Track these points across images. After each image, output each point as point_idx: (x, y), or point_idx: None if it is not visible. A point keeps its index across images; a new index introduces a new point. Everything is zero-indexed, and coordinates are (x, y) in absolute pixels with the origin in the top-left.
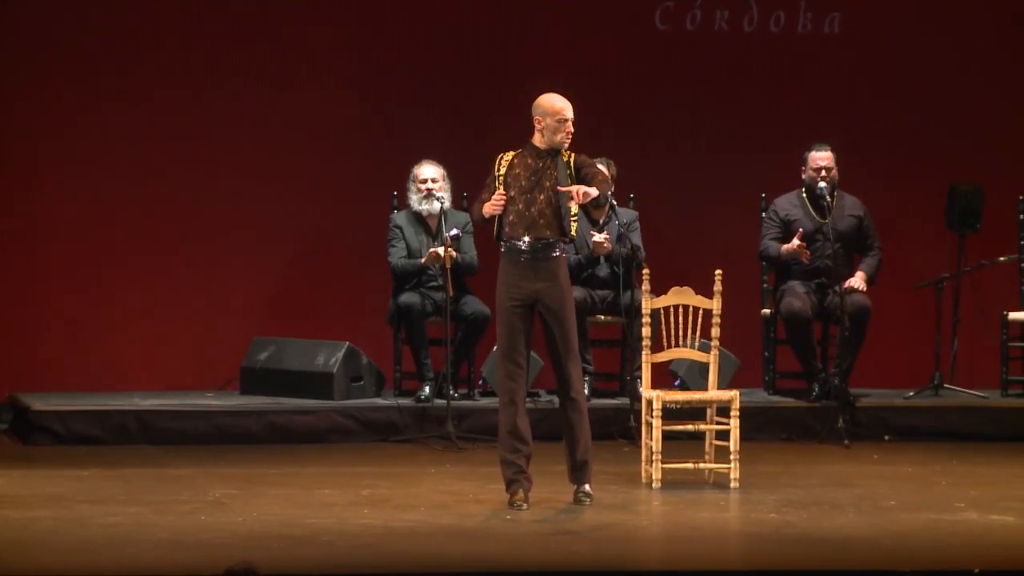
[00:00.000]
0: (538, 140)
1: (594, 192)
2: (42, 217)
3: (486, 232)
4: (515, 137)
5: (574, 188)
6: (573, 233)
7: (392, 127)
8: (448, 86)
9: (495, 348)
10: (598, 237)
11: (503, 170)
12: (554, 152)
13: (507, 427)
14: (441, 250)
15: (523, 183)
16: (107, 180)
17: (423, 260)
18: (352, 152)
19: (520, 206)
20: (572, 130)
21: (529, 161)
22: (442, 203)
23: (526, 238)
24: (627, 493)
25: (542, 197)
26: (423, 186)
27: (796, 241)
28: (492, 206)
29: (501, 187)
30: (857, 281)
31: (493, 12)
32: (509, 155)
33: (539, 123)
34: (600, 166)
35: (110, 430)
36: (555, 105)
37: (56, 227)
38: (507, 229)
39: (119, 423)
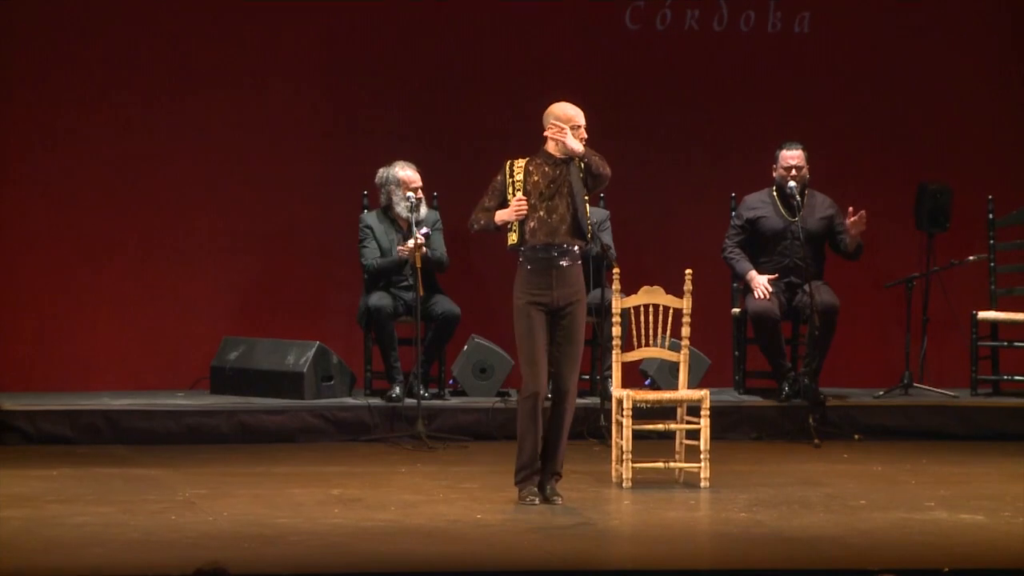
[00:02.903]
0: (552, 148)
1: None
2: (10, 217)
3: (453, 233)
4: (482, 136)
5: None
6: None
7: (360, 127)
8: (416, 86)
9: (465, 348)
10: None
11: (519, 176)
12: (568, 159)
13: (532, 443)
14: (412, 242)
15: (543, 190)
16: (76, 180)
17: (400, 250)
18: (321, 152)
19: (542, 213)
20: (585, 136)
21: (547, 169)
22: (412, 203)
23: (548, 245)
24: (597, 492)
25: (562, 205)
26: (414, 196)
27: (766, 286)
28: (515, 213)
29: (519, 193)
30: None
31: (461, 13)
32: (521, 162)
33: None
34: None
35: (80, 430)
36: (567, 112)
37: (25, 227)
38: (528, 237)
39: (89, 423)
